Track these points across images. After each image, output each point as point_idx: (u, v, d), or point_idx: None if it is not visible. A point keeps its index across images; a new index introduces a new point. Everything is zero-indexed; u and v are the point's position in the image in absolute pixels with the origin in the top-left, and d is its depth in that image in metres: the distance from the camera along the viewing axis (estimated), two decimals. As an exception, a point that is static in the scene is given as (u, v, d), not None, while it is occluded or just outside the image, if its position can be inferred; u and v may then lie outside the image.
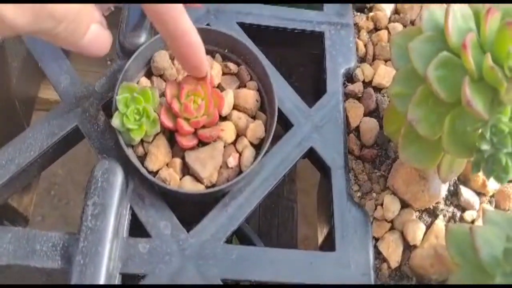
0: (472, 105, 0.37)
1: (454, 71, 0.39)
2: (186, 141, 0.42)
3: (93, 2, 0.34)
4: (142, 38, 0.46)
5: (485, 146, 0.37)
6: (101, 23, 0.35)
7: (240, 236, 0.54)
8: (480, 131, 0.38)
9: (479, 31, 0.40)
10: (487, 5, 0.40)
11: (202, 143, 0.44)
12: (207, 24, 0.52)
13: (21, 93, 0.56)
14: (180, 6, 0.36)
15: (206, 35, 0.48)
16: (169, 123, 0.42)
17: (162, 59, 0.46)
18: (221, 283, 0.41)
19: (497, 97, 0.38)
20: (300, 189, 0.86)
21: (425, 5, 0.57)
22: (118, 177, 0.40)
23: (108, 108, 0.44)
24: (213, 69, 0.46)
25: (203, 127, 0.43)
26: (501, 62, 0.37)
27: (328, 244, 0.46)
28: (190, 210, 0.48)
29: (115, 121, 0.41)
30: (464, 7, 0.41)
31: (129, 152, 0.42)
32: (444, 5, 0.43)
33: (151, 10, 0.36)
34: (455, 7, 0.41)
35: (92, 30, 0.34)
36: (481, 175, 0.47)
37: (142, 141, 0.43)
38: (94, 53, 0.36)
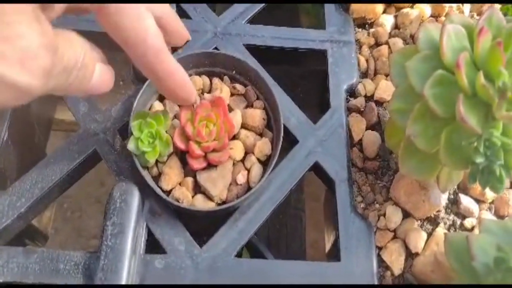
0: (466, 121, 0.38)
1: (449, 88, 0.41)
2: (196, 164, 0.45)
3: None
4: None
5: (479, 159, 0.39)
6: (102, 61, 0.36)
7: (250, 248, 0.56)
8: (474, 144, 0.40)
9: (472, 49, 0.42)
10: (480, 24, 0.42)
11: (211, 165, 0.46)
12: (215, 48, 0.55)
13: (39, 115, 0.59)
14: (165, 50, 0.37)
15: (214, 58, 0.51)
16: (181, 145, 0.45)
17: (172, 83, 0.48)
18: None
19: (490, 113, 0.40)
20: (309, 193, 0.87)
21: (422, 23, 0.60)
22: (135, 197, 0.43)
23: (124, 132, 0.47)
24: (222, 91, 0.49)
25: (213, 150, 0.45)
26: (492, 79, 0.39)
27: (334, 253, 0.48)
28: (202, 224, 0.50)
29: (130, 145, 0.44)
30: (458, 27, 0.43)
31: (144, 173, 0.45)
32: (439, 24, 0.45)
33: (138, 58, 0.36)
34: (449, 26, 0.43)
35: (97, 70, 0.35)
36: (479, 183, 0.49)
37: (156, 161, 0.46)
38: (102, 91, 0.36)
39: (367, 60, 0.58)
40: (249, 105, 0.51)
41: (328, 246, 0.63)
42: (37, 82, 0.28)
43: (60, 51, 0.30)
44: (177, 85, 0.40)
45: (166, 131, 0.45)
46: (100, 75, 0.35)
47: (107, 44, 0.36)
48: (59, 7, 0.31)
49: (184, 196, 0.45)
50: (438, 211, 0.49)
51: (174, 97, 0.42)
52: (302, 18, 0.75)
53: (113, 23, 0.34)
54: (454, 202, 0.50)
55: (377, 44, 0.60)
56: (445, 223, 0.48)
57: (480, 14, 0.63)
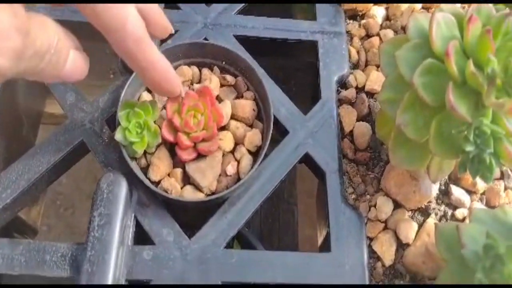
0: (456, 109, 0.38)
1: (438, 77, 0.41)
2: (185, 155, 0.44)
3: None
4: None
5: (469, 148, 0.38)
6: (76, 48, 0.35)
7: (241, 240, 0.56)
8: (464, 133, 0.39)
9: (462, 37, 0.42)
10: (469, 13, 0.42)
11: (201, 155, 0.46)
12: (205, 38, 0.54)
13: (27, 109, 0.59)
14: (147, 39, 0.36)
15: (204, 49, 0.50)
16: (169, 137, 0.44)
17: (161, 73, 0.48)
18: (221, 285, 0.43)
19: (479, 101, 0.40)
20: (303, 190, 0.87)
21: (413, 13, 0.59)
22: (123, 188, 0.42)
23: (112, 123, 0.47)
24: (212, 82, 0.48)
25: (203, 140, 0.45)
26: (482, 66, 0.39)
27: (325, 245, 0.48)
28: (192, 215, 0.50)
29: (118, 136, 0.43)
30: (447, 15, 0.43)
31: (132, 164, 0.44)
32: (429, 14, 0.45)
33: (119, 45, 0.36)
34: (439, 15, 0.42)
35: (71, 56, 0.34)
36: (470, 174, 0.49)
37: (145, 152, 0.45)
38: (76, 78, 0.35)
39: (358, 52, 0.58)
40: (239, 96, 0.50)
41: (320, 239, 0.62)
42: (7, 63, 0.28)
43: (32, 34, 0.29)
44: (161, 77, 0.39)
45: (154, 122, 0.45)
46: (74, 61, 0.34)
47: (96, 35, 0.36)
48: None
49: (173, 187, 0.44)
50: (429, 201, 0.49)
51: (159, 89, 0.41)
52: (296, 15, 0.75)
53: (92, 11, 0.34)
54: (445, 193, 0.49)
55: (368, 35, 0.59)
56: (436, 214, 0.48)
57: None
